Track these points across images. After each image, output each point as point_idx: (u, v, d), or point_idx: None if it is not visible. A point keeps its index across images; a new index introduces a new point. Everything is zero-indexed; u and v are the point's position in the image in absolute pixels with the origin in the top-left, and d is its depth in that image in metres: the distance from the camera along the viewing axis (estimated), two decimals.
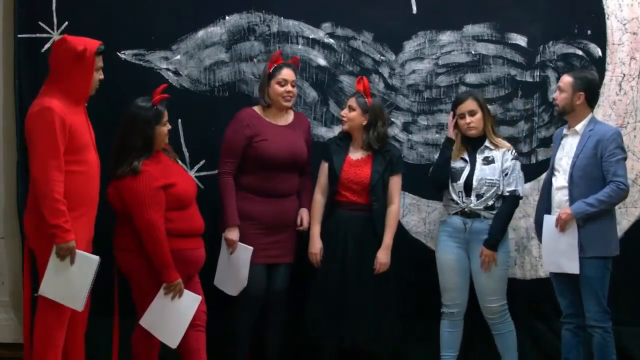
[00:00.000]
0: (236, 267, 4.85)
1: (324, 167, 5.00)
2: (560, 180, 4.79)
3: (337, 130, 5.23)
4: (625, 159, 4.73)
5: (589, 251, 4.67)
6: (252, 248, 4.82)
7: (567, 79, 4.81)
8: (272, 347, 5.05)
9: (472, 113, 4.90)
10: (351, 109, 4.93)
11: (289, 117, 5.01)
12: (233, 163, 4.85)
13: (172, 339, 4.44)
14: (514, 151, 4.97)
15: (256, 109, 4.97)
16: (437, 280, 5.03)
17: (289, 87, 4.89)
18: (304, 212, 5.02)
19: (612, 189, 4.66)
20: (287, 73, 4.89)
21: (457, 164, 4.95)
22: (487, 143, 4.94)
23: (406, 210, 5.39)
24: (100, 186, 4.32)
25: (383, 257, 4.89)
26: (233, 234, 4.84)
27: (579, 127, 4.80)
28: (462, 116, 4.91)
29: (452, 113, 4.98)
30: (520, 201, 5.02)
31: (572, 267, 4.68)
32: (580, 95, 4.77)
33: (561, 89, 4.81)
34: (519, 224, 5.29)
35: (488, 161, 4.91)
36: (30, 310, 4.25)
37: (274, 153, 4.84)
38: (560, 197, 4.78)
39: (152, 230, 4.31)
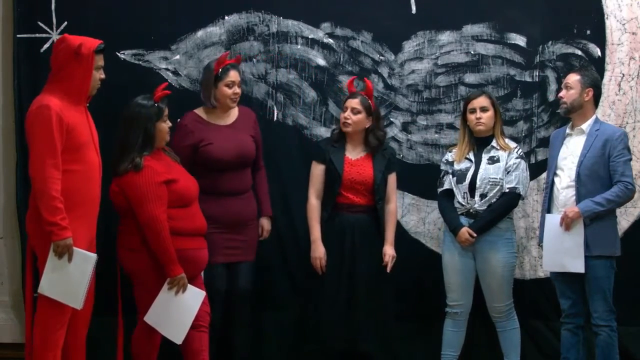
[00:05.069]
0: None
1: (318, 169, 4.95)
2: (565, 179, 4.79)
3: None
4: (631, 159, 4.77)
5: (594, 250, 4.68)
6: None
7: (574, 76, 4.82)
8: (240, 347, 5.00)
9: (483, 109, 4.91)
10: (356, 111, 4.92)
11: (234, 115, 4.97)
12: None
13: (177, 335, 4.43)
14: (520, 150, 4.97)
15: (199, 112, 4.92)
16: (436, 280, 5.04)
17: (236, 89, 4.87)
18: (264, 222, 5.03)
19: (620, 188, 4.68)
20: (234, 75, 4.86)
21: (462, 165, 4.94)
22: (493, 143, 4.95)
23: (405, 210, 5.39)
24: (103, 187, 4.32)
25: (392, 250, 4.90)
26: None
27: (585, 126, 4.81)
28: (473, 111, 4.92)
29: None
30: (520, 201, 5.02)
31: (577, 265, 4.68)
32: (589, 92, 4.79)
33: (569, 87, 4.81)
34: (518, 224, 5.27)
35: (493, 160, 4.91)
36: (32, 310, 4.25)
37: (221, 155, 4.81)
38: (565, 196, 4.78)
39: (155, 224, 4.32)
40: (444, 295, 5.01)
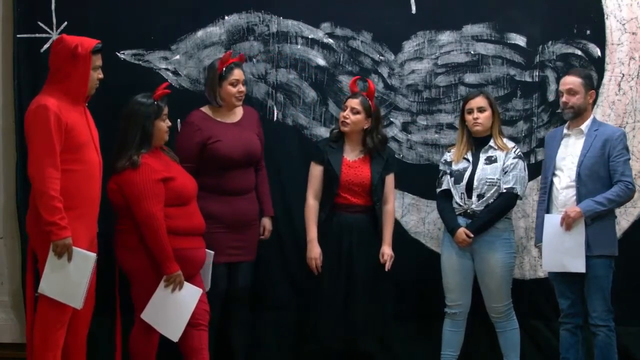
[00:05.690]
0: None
1: (317, 170, 4.96)
2: (565, 179, 4.80)
3: None
4: (630, 159, 4.79)
5: (595, 249, 4.69)
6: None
7: (576, 79, 4.81)
8: (240, 346, 5.01)
9: (480, 110, 4.91)
10: (355, 111, 4.92)
11: (239, 113, 4.99)
12: (190, 167, 4.75)
13: (174, 333, 4.44)
14: (518, 150, 4.97)
15: (205, 110, 4.93)
16: (436, 280, 5.04)
17: (241, 87, 4.88)
18: (266, 222, 5.06)
19: (620, 188, 4.70)
20: (238, 73, 4.87)
21: (460, 165, 4.95)
22: (491, 143, 4.95)
23: (405, 210, 5.39)
24: (103, 186, 4.34)
25: (389, 250, 4.90)
26: None
27: (584, 126, 4.82)
28: (470, 111, 4.92)
29: None
30: (520, 201, 5.02)
31: (578, 265, 4.68)
32: (592, 94, 4.83)
33: (573, 91, 4.79)
34: (518, 224, 5.27)
35: (491, 160, 4.91)
36: (33, 311, 4.26)
37: (229, 152, 4.82)
38: (565, 196, 4.78)
39: (152, 222, 4.32)
40: (444, 295, 5.02)
